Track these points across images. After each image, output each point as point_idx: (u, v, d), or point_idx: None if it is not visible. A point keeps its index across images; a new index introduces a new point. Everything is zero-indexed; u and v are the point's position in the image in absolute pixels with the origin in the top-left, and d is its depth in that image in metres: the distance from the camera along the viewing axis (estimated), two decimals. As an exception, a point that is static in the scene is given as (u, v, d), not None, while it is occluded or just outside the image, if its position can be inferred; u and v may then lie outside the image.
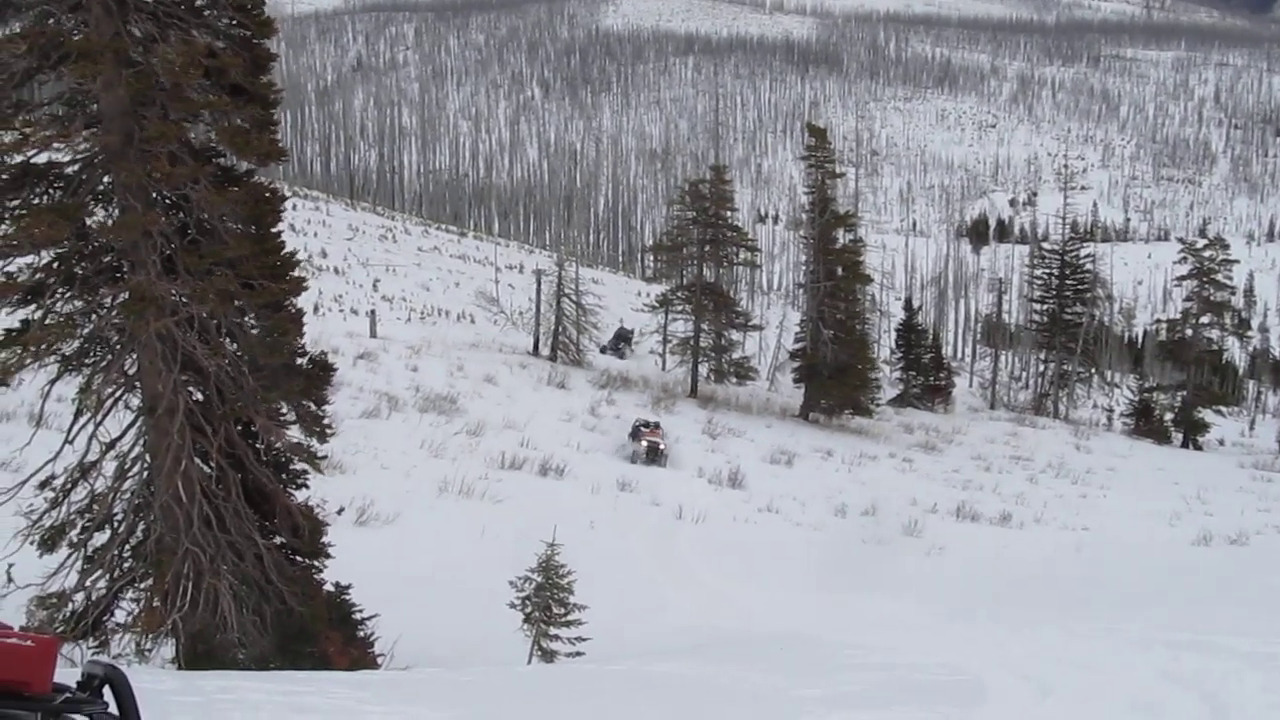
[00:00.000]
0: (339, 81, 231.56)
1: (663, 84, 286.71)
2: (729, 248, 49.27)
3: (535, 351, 48.33)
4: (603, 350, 51.75)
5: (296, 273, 12.47)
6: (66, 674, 3.09)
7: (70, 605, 12.12)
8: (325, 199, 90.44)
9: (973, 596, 22.59)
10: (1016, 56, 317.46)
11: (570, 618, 15.37)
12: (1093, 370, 63.46)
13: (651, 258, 62.59)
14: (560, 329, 48.51)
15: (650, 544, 24.70)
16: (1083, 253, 62.77)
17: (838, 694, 11.50)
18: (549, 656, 15.50)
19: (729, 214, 49.44)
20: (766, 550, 25.37)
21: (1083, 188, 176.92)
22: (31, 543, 11.96)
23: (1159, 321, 79.63)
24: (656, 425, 34.66)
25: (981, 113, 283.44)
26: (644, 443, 32.90)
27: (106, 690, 3.05)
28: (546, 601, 15.37)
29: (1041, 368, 63.06)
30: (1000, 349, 68.08)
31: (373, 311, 47.45)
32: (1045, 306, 62.61)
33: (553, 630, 15.45)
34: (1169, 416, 57.80)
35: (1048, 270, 62.89)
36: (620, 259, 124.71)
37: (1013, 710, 10.67)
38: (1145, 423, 56.82)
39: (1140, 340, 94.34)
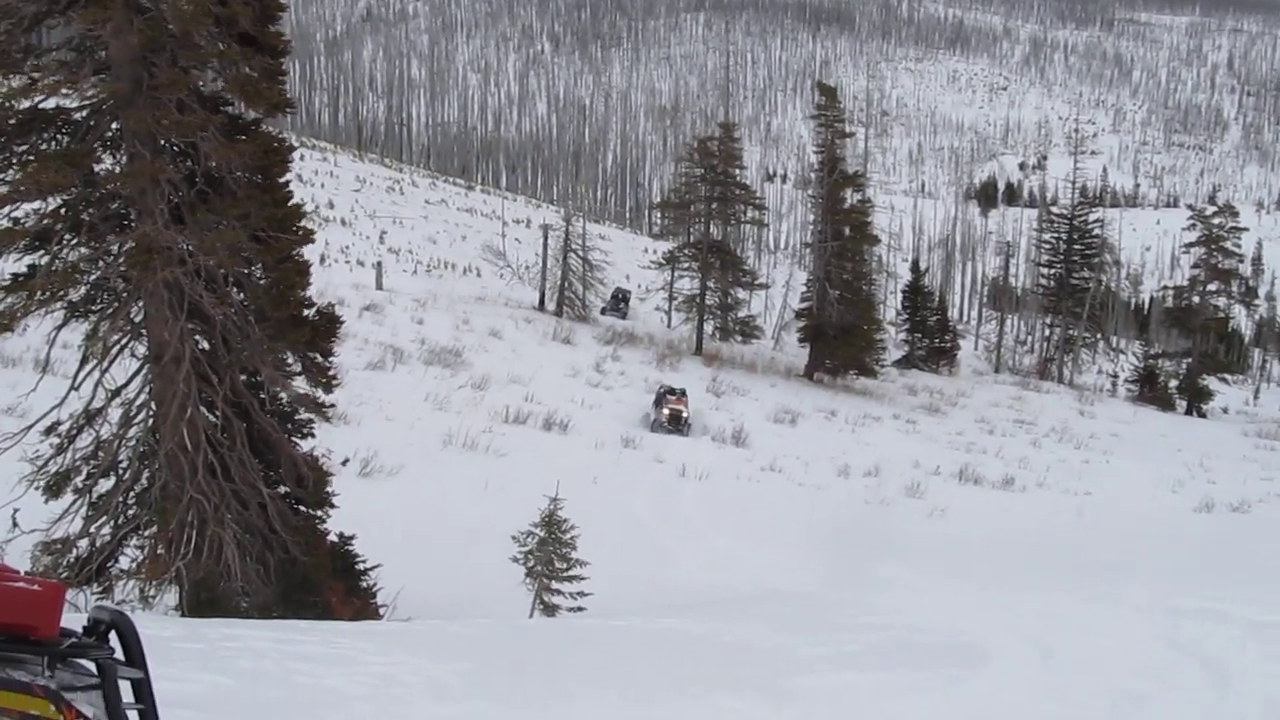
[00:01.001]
0: (348, 32, 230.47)
1: (673, 40, 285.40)
2: (737, 206, 49.19)
3: (541, 307, 48.33)
4: (603, 311, 51.54)
5: (304, 224, 12.44)
6: (72, 619, 3.09)
7: (75, 551, 12.16)
8: (333, 150, 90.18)
9: (975, 559, 22.63)
10: (1029, 19, 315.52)
11: (572, 573, 15.42)
12: (1098, 336, 63.33)
13: (659, 214, 62.56)
14: (566, 284, 48.53)
15: (653, 501, 24.75)
16: (1091, 218, 62.53)
17: (842, 653, 11.54)
18: (551, 611, 15.56)
19: (737, 172, 49.32)
20: (770, 509, 25.40)
21: (1093, 152, 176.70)
22: (37, 488, 11.99)
23: (1166, 288, 79.53)
24: (683, 393, 33.85)
25: (993, 75, 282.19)
26: (666, 409, 32.27)
27: (113, 636, 3.05)
28: (549, 556, 15.41)
29: (1047, 332, 62.96)
30: (1006, 313, 67.94)
31: (379, 263, 47.39)
32: (1052, 271, 62.45)
33: (555, 585, 15.50)
34: (1173, 383, 57.78)
35: (1056, 235, 62.69)
36: (628, 215, 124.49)
37: (1015, 672, 10.71)
38: (1149, 389, 56.81)
39: (1147, 307, 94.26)
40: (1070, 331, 60.72)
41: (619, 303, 53.57)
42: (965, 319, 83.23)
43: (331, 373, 13.06)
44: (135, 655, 3.04)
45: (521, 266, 53.71)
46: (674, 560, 21.28)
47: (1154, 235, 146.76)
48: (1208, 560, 21.97)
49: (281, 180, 12.24)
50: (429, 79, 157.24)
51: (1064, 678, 10.51)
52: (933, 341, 58.38)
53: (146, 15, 10.80)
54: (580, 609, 15.45)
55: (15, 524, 11.61)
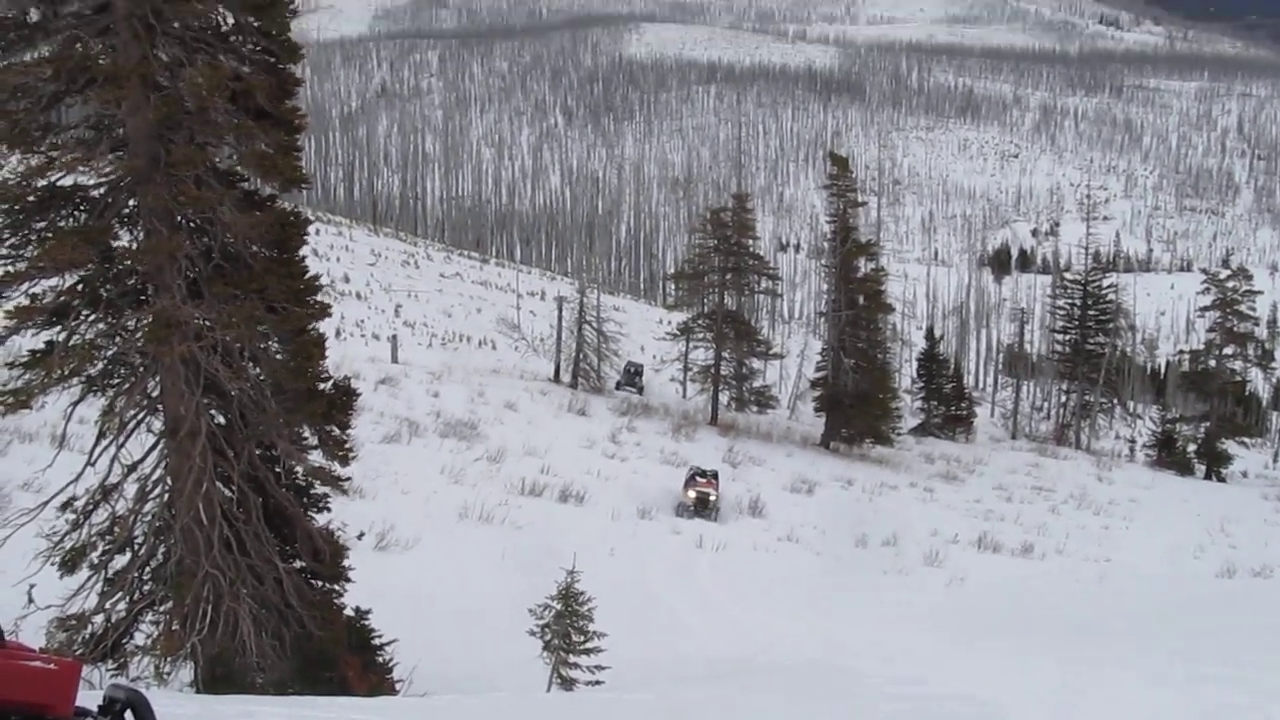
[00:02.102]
0: (363, 108, 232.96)
1: (685, 112, 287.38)
2: (750, 276, 49.29)
3: (556, 378, 48.39)
4: (618, 386, 50.83)
5: (320, 297, 12.49)
6: (89, 697, 3.08)
7: (90, 627, 12.13)
8: (348, 224, 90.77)
9: (994, 627, 22.46)
10: (1039, 86, 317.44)
11: (590, 645, 15.32)
12: (1115, 401, 63.12)
13: (673, 285, 62.71)
14: (581, 356, 48.59)
15: (670, 572, 24.65)
16: (1105, 283, 62.50)
17: (861, 724, 11.44)
18: (568, 684, 15.45)
19: (750, 242, 49.45)
20: (787, 579, 25.27)
21: (1105, 218, 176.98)
22: (52, 564, 11.98)
23: (1182, 352, 79.33)
24: (714, 475, 32.18)
25: (1004, 142, 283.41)
26: (693, 492, 30.59)
27: (128, 714, 3.03)
28: (566, 629, 15.33)
29: (1063, 398, 62.78)
30: (1022, 379, 67.77)
31: (394, 337, 47.55)
32: (1067, 337, 62.35)
33: (572, 658, 15.40)
34: (1192, 448, 57.48)
35: (1070, 300, 62.64)
36: (642, 286, 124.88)
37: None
38: (1168, 454, 56.52)
39: (1163, 371, 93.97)
40: (1087, 397, 60.53)
41: (633, 377, 52.70)
42: (981, 386, 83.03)
43: (348, 445, 13.05)
44: (150, 732, 3.03)
45: (536, 339, 53.89)
46: (691, 631, 21.17)
47: (1168, 299, 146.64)
48: (1230, 626, 21.76)
49: (298, 254, 12.30)
50: (443, 153, 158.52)
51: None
52: (948, 409, 58.23)
53: (163, 92, 10.92)
54: (598, 682, 15.33)
55: (31, 600, 11.57)
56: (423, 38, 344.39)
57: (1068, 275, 68.26)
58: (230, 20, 11.41)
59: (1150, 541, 33.33)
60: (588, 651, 15.34)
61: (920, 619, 22.80)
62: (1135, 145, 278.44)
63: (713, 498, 30.51)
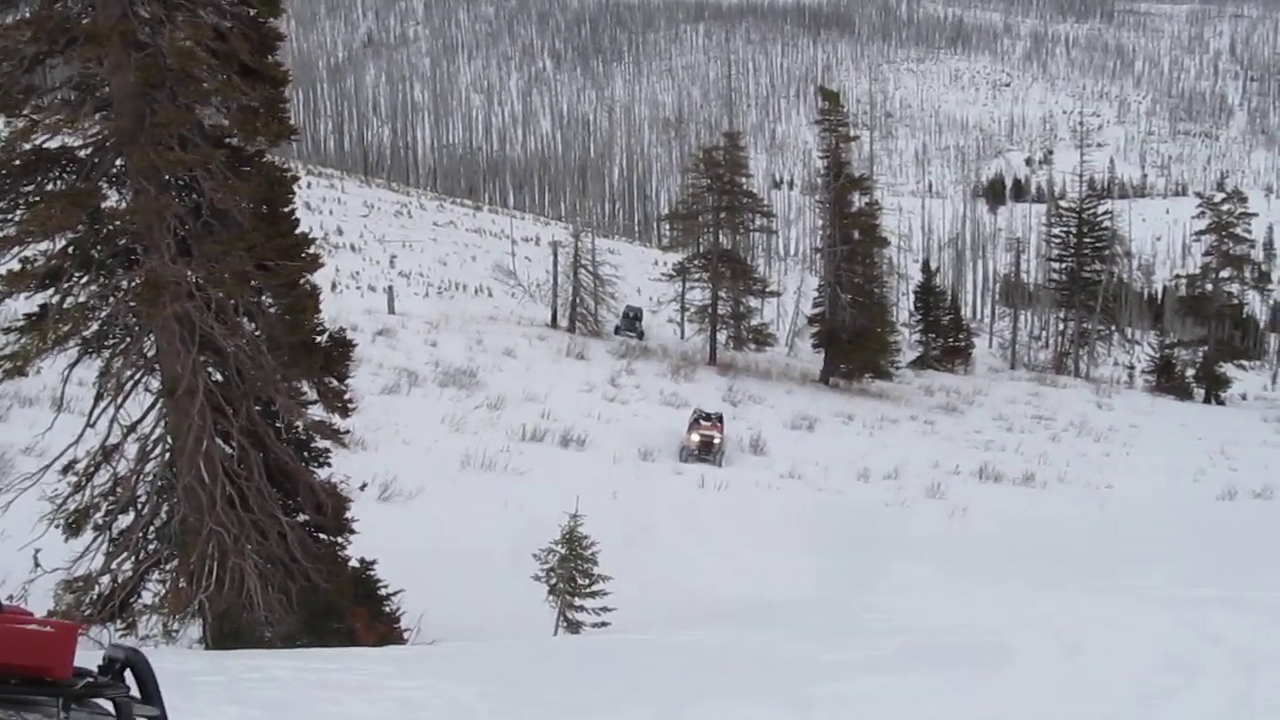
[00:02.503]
0: (350, 58, 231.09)
1: (674, 52, 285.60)
2: (745, 214, 49.16)
3: (554, 323, 48.35)
4: (616, 331, 50.19)
5: (311, 251, 12.46)
6: (90, 658, 3.10)
7: (97, 588, 12.19)
8: (339, 176, 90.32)
9: (997, 557, 22.58)
10: (1029, 14, 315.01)
11: (594, 588, 15.42)
12: (1113, 328, 63.17)
13: (667, 226, 62.46)
14: (578, 300, 48.52)
15: (673, 513, 24.74)
16: (1100, 210, 62.43)
17: (864, 658, 11.51)
18: (575, 627, 15.55)
19: (744, 180, 49.32)
20: (790, 516, 25.34)
21: (1099, 145, 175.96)
22: (57, 527, 12.02)
23: (1178, 277, 79.42)
24: (719, 418, 31.77)
25: (995, 72, 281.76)
26: (696, 436, 30.28)
27: (128, 674, 3.05)
28: (571, 573, 15.41)
29: (1061, 326, 62.86)
30: (1019, 309, 67.81)
31: (390, 287, 47.45)
32: (1064, 265, 62.32)
33: (578, 601, 15.50)
34: (1190, 372, 57.61)
35: (1065, 229, 62.56)
36: (636, 228, 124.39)
37: (1041, 669, 10.66)
38: (1167, 379, 56.67)
39: (1160, 296, 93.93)
40: (1084, 325, 60.58)
41: (633, 321, 51.64)
42: (979, 317, 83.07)
43: (347, 397, 13.07)
44: (151, 692, 3.05)
45: (533, 284, 53.77)
46: (696, 571, 21.27)
47: (1164, 225, 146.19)
48: (1231, 548, 21.88)
49: (287, 209, 12.27)
50: (432, 102, 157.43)
51: (1090, 673, 10.48)
52: (947, 341, 58.27)
53: (145, 51, 10.85)
54: (604, 624, 15.44)
55: (37, 564, 11.61)
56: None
57: (1062, 203, 68.17)
58: (210, -25, 11.33)
59: (1150, 467, 33.46)
60: (593, 594, 15.44)
61: (925, 551, 22.90)
62: (1127, 71, 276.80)
63: (717, 440, 30.11)
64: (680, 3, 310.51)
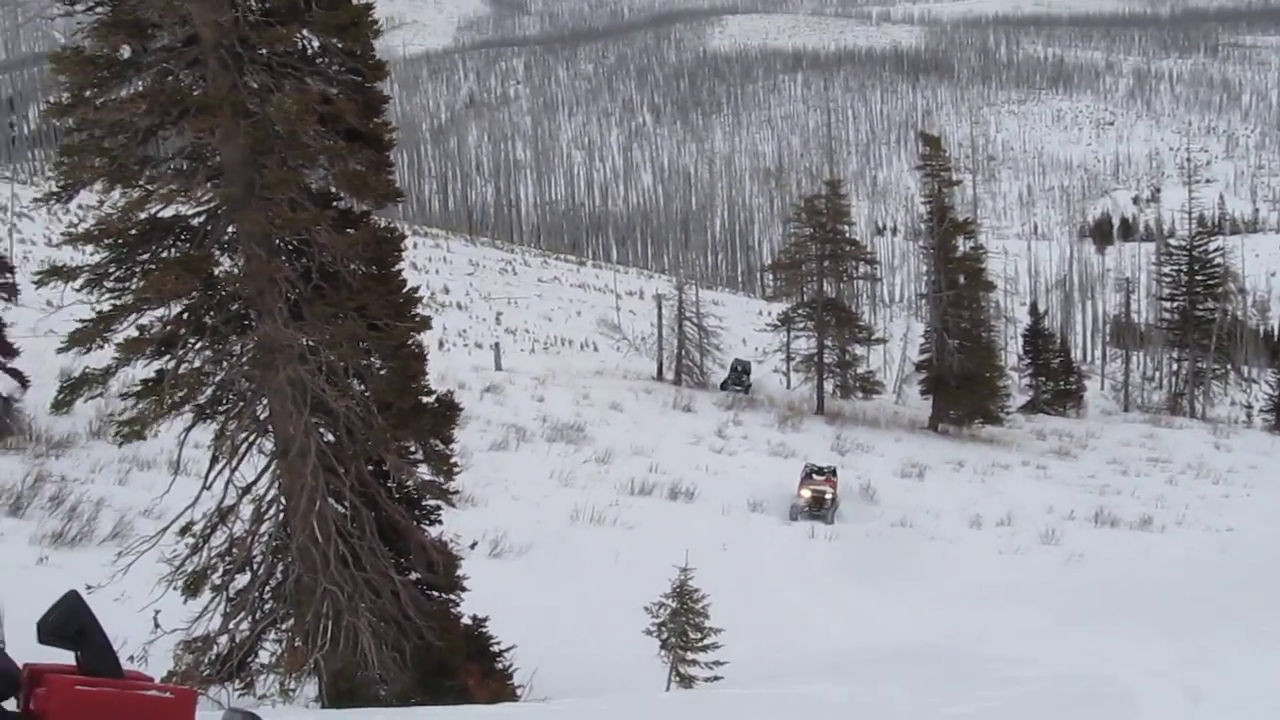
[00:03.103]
0: (453, 119, 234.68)
1: (773, 102, 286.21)
2: (848, 262, 48.96)
3: (659, 376, 48.42)
4: (723, 386, 48.89)
5: (420, 311, 12.60)
6: (212, 718, 3.13)
7: (215, 648, 12.33)
8: (444, 235, 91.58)
9: (1116, 603, 22.12)
10: (1131, 51, 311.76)
11: (707, 642, 15.30)
12: (1228, 366, 61.95)
13: (770, 276, 62.39)
14: (683, 352, 48.58)
15: (784, 563, 24.57)
16: (1211, 246, 61.39)
17: (985, 709, 11.30)
18: (687, 682, 15.44)
19: (846, 228, 49.14)
20: (903, 565, 25.08)
21: (1207, 180, 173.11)
22: (175, 588, 12.19)
23: (1295, 313, 77.63)
24: (832, 472, 30.60)
25: (1098, 110, 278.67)
26: (807, 491, 28.89)
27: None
28: (682, 626, 15.33)
29: (1175, 366, 61.75)
30: (1131, 349, 66.77)
31: (497, 344, 47.88)
32: (1175, 304, 61.26)
33: (690, 655, 15.39)
34: (1311, 410, 56.29)
35: (1176, 267, 61.56)
36: (739, 279, 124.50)
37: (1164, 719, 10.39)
38: (1287, 418, 55.41)
39: (1277, 333, 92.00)
40: (1199, 364, 59.46)
41: (740, 375, 49.98)
42: (1089, 359, 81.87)
43: (452, 460, 13.15)
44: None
45: (638, 338, 53.92)
46: (808, 622, 21.09)
47: (1278, 260, 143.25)
48: (1363, 591, 21.27)
49: (395, 269, 12.42)
50: (534, 159, 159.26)
51: (1217, 723, 10.19)
52: (1057, 384, 57.53)
53: (253, 119, 11.07)
54: (717, 678, 15.31)
55: (157, 625, 11.78)
56: (507, 45, 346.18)
57: (1172, 241, 67.11)
58: (315, 43, 11.56)
59: (1272, 508, 32.66)
60: (705, 648, 15.33)
61: (1039, 599, 22.53)
62: (1234, 104, 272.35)
63: (829, 496, 28.87)
64: (778, 53, 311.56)
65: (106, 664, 4.68)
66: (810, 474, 30.12)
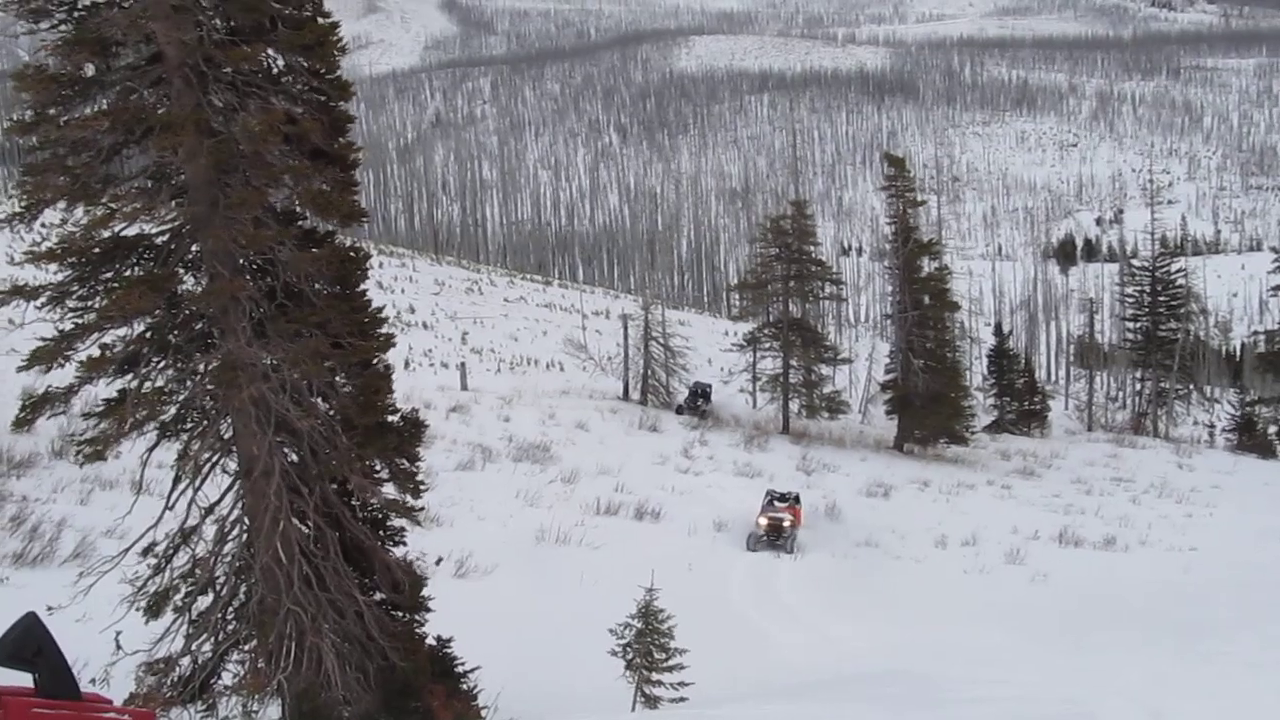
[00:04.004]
0: (419, 138, 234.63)
1: (739, 123, 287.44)
2: (814, 282, 49.06)
3: (626, 396, 48.39)
4: (679, 411, 46.38)
5: (384, 330, 12.58)
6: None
7: (178, 670, 12.26)
8: (410, 255, 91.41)
9: (1081, 623, 22.20)
10: (1094, 74, 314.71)
11: (672, 663, 15.27)
12: (1191, 386, 62.46)
13: (736, 296, 62.54)
14: (649, 372, 48.56)
15: (749, 585, 24.58)
16: (1174, 267, 61.86)
17: (947, 729, 11.33)
18: (652, 703, 15.40)
19: (812, 248, 49.24)
20: (868, 585, 25.13)
21: (1170, 202, 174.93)
22: (138, 609, 12.12)
23: (1257, 333, 78.41)
24: (795, 499, 29.88)
25: (1062, 132, 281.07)
26: (764, 519, 28.02)
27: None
28: (647, 647, 15.29)
29: (1138, 386, 62.19)
30: (1095, 370, 67.19)
31: (463, 364, 47.77)
32: (1139, 324, 61.71)
33: (655, 676, 15.35)
34: (1273, 429, 56.73)
35: (1139, 287, 62.04)
36: (705, 299, 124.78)
37: (1128, 739, 10.45)
38: (1249, 437, 55.79)
39: (1239, 353, 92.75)
40: (1162, 384, 59.90)
41: (696, 399, 47.74)
42: (1053, 379, 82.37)
43: (419, 478, 13.12)
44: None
45: (604, 358, 53.89)
46: (774, 643, 21.10)
47: (1240, 280, 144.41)
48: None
49: (360, 288, 12.40)
50: (501, 179, 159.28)
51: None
52: (1022, 404, 57.81)
53: (218, 138, 11.05)
54: (682, 699, 15.28)
55: (119, 646, 11.71)
56: (474, 65, 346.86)
57: (1135, 262, 67.57)
58: (280, 62, 11.54)
59: (1236, 527, 32.91)
60: (670, 669, 15.29)
61: (1005, 619, 22.61)
62: (1196, 127, 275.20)
63: (787, 524, 27.92)
64: (744, 74, 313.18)
65: (65, 686, 4.65)
66: (772, 501, 29.57)
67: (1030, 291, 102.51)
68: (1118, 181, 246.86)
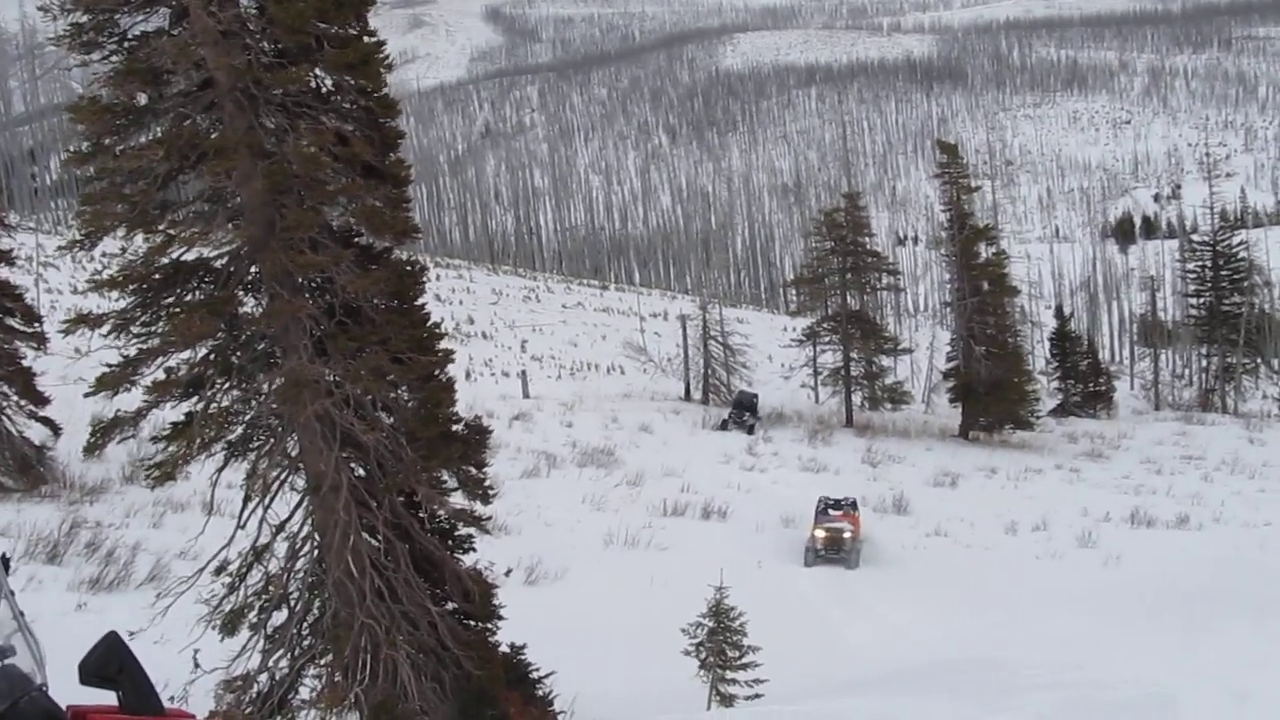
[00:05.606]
0: (470, 150, 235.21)
1: (788, 117, 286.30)
2: (870, 274, 48.84)
3: (687, 396, 48.45)
4: (723, 426, 42.56)
5: (444, 343, 12.66)
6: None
7: (255, 686, 12.38)
8: (467, 266, 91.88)
9: (1156, 604, 21.98)
10: (1145, 49, 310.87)
11: (745, 660, 15.27)
12: (1258, 360, 61.60)
13: (793, 291, 62.40)
14: (710, 372, 48.56)
15: (819, 579, 24.52)
16: (1235, 241, 61.08)
17: (1025, 716, 11.26)
18: (728, 701, 15.41)
19: (867, 240, 49.08)
20: (938, 575, 25.01)
21: (1228, 174, 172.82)
22: (213, 628, 12.26)
23: (1323, 302, 77.15)
24: (851, 505, 27.68)
25: (1115, 110, 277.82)
26: (821, 531, 25.90)
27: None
28: (720, 645, 15.31)
29: (1204, 363, 61.43)
30: (1159, 348, 66.46)
31: (523, 372, 47.97)
32: (1202, 300, 60.97)
33: (729, 674, 15.36)
34: (1344, 399, 55.93)
35: (1200, 263, 61.31)
36: (762, 296, 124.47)
37: None
38: (1321, 409, 55.06)
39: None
40: (1228, 359, 59.14)
41: (743, 412, 43.43)
42: (1117, 359, 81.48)
43: (487, 484, 13.19)
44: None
45: (664, 359, 53.95)
46: (846, 637, 21.05)
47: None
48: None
49: (418, 303, 12.48)
50: (552, 185, 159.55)
51: (1263, 720, 10.13)
52: (1086, 386, 57.28)
53: (270, 159, 11.15)
54: (758, 696, 15.28)
55: (197, 664, 11.86)
56: (520, 74, 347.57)
57: (1195, 237, 66.84)
58: (329, 82, 11.64)
59: (1311, 501, 32.50)
60: (744, 666, 15.30)
61: (1078, 603, 22.43)
62: (1251, 97, 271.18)
63: (848, 535, 25.96)
64: (790, 68, 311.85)
65: (147, 702, 4.74)
66: (825, 509, 27.24)
67: (1090, 272, 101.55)
68: (1173, 157, 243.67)
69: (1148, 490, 34.56)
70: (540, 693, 13.93)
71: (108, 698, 4.77)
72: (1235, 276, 60.05)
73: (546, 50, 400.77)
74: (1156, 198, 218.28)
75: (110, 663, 4.67)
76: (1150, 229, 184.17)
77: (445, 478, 13.03)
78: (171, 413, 11.74)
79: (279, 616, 12.70)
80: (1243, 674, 11.94)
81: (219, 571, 12.31)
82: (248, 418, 12.02)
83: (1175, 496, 33.50)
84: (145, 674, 4.78)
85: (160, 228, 11.06)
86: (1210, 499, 33.06)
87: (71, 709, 4.69)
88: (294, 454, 12.37)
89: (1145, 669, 13.20)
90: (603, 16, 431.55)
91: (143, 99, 11.15)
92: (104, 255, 13.44)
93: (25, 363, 23.09)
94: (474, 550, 13.64)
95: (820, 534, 25.97)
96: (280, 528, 12.57)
